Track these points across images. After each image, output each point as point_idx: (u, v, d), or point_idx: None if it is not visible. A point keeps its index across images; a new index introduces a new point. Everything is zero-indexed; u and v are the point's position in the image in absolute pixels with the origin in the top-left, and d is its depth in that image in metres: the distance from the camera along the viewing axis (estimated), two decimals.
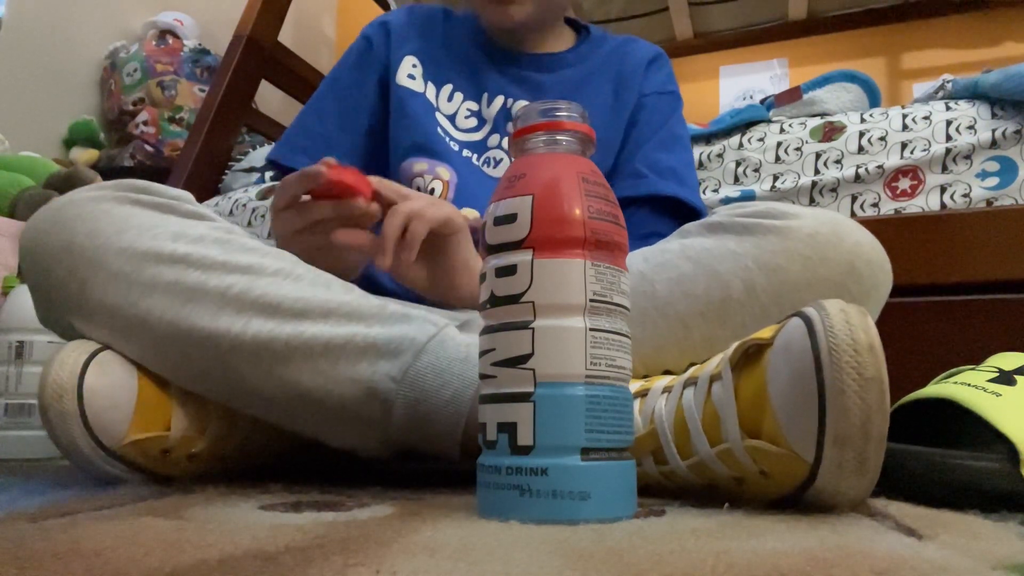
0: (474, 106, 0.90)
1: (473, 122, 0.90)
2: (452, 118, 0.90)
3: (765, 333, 0.43)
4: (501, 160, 0.88)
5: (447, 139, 0.87)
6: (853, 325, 0.38)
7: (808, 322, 0.40)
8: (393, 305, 0.57)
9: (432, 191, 0.83)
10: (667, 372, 0.54)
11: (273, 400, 0.54)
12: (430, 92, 0.90)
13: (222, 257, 0.56)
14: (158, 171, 1.68)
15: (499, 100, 0.89)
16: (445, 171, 0.85)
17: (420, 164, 0.85)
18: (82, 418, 0.52)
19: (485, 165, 0.88)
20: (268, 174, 1.51)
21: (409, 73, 0.90)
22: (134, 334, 0.55)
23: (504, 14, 0.85)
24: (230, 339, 0.53)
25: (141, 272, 0.55)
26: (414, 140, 0.86)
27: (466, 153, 0.88)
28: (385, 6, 2.10)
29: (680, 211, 0.84)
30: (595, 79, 0.91)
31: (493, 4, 0.85)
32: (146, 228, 0.56)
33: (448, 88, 0.91)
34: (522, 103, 0.87)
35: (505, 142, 0.88)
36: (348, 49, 0.95)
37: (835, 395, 0.38)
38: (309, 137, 0.89)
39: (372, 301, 0.57)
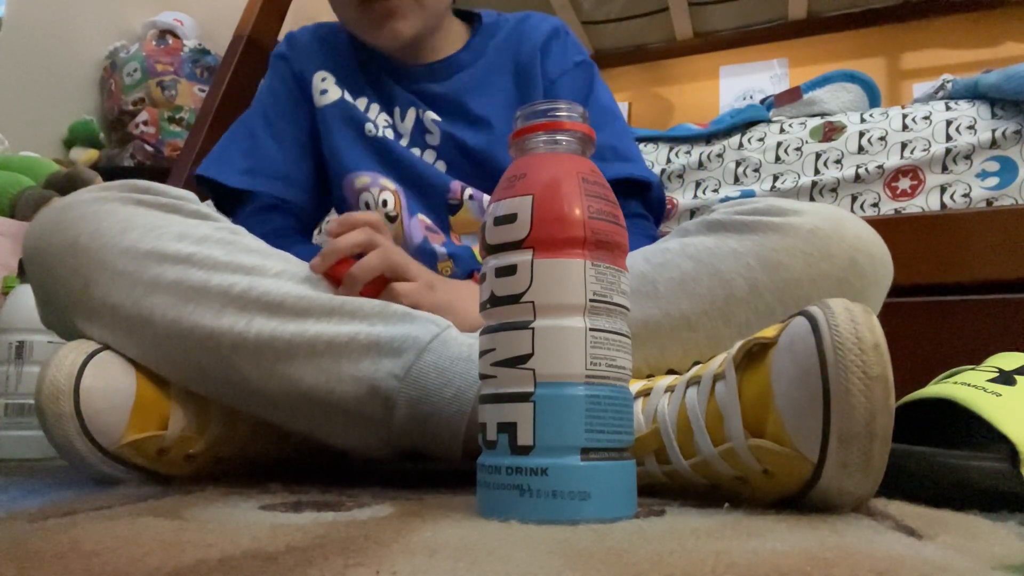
0: (389, 119, 0.85)
1: (391, 134, 0.84)
2: (375, 126, 0.85)
3: (769, 332, 0.43)
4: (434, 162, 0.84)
5: (376, 130, 0.83)
6: (858, 324, 0.38)
7: (813, 321, 0.40)
8: (395, 305, 0.57)
9: (385, 203, 0.80)
10: (671, 372, 0.54)
11: (275, 399, 0.54)
12: (347, 98, 0.85)
13: (225, 257, 0.56)
14: (158, 171, 1.68)
15: (411, 113, 0.84)
16: (388, 181, 0.82)
17: (362, 178, 0.82)
18: (78, 419, 0.52)
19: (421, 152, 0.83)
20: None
21: (322, 89, 0.85)
22: (136, 333, 0.55)
23: (392, 33, 0.78)
24: (232, 337, 0.53)
25: (144, 271, 0.55)
26: (351, 148, 0.82)
27: (403, 142, 0.84)
28: None
29: (633, 187, 0.82)
30: (493, 76, 0.86)
31: (374, 27, 0.78)
32: (150, 228, 0.57)
33: (364, 100, 0.86)
34: (431, 115, 0.84)
35: (426, 154, 0.84)
36: (269, 70, 0.90)
37: (840, 394, 0.38)
38: (245, 156, 0.84)
39: (375, 301, 0.57)
